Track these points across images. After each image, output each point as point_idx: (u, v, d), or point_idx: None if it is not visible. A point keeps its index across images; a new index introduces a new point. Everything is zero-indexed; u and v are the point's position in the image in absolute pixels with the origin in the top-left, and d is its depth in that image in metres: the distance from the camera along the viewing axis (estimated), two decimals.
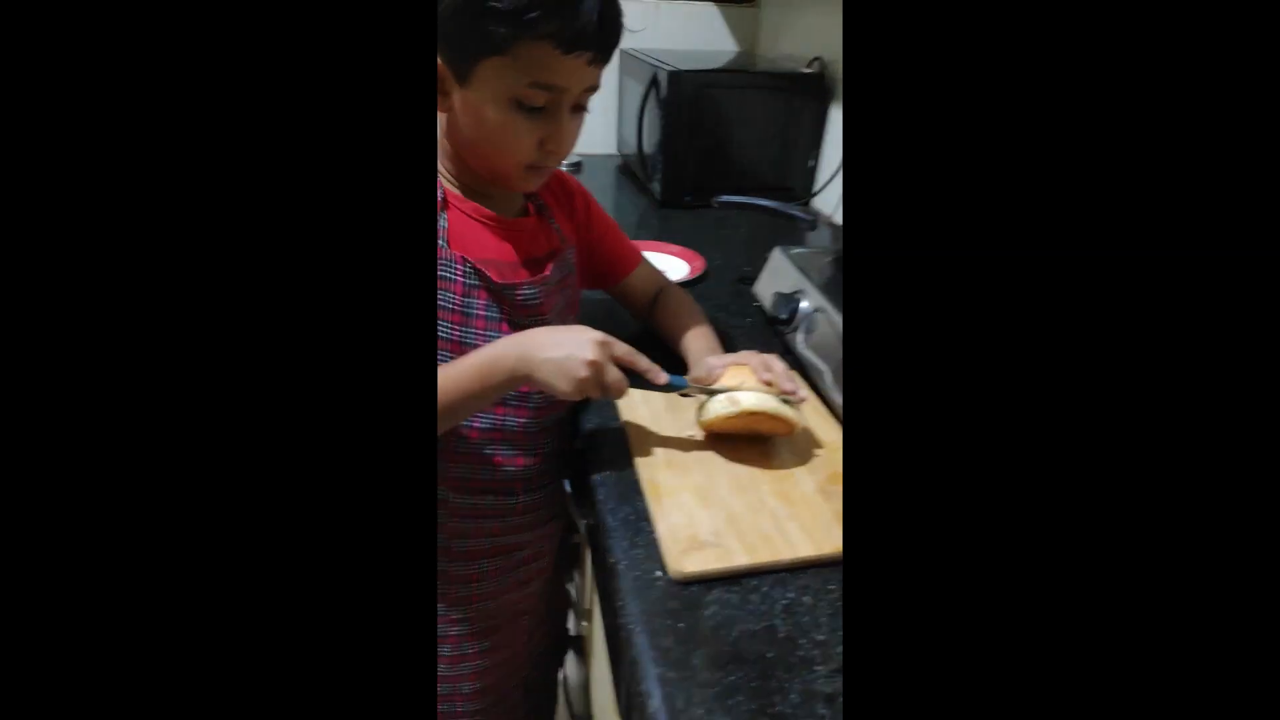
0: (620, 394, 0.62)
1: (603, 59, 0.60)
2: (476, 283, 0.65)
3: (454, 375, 0.61)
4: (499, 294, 0.66)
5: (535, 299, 0.68)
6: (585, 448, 0.71)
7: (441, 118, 0.66)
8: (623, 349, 0.62)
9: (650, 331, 0.87)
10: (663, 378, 0.65)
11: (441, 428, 0.66)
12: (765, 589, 0.54)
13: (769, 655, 0.48)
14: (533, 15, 0.55)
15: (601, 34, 0.58)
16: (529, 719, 0.92)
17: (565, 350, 0.59)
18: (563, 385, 0.59)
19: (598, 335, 0.61)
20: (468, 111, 0.61)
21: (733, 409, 0.64)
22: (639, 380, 0.65)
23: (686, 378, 0.73)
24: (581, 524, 0.73)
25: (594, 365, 0.59)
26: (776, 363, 0.69)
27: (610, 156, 1.76)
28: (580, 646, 1.01)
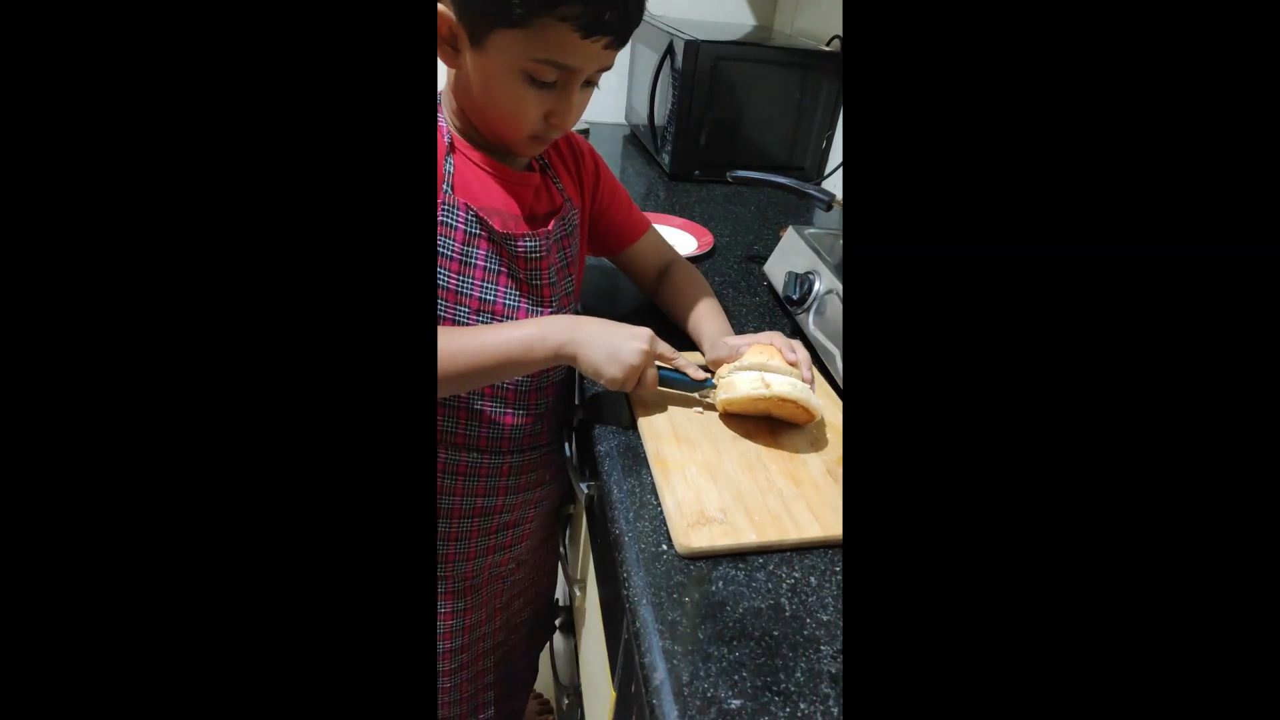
0: (651, 389, 0.66)
1: (620, 43, 0.58)
2: (478, 231, 0.64)
3: (493, 341, 0.61)
4: (500, 244, 0.65)
5: (537, 252, 0.67)
6: (588, 417, 0.70)
7: (450, 73, 0.64)
8: (664, 346, 0.66)
9: (654, 307, 0.86)
10: (700, 374, 0.68)
11: (463, 388, 0.66)
12: (771, 567, 0.53)
13: (775, 633, 0.48)
14: None
15: (622, 19, 0.56)
16: (499, 686, 0.91)
17: (620, 339, 0.62)
18: (611, 370, 0.62)
19: (648, 330, 0.63)
20: (477, 73, 0.60)
21: (764, 391, 0.62)
22: (667, 373, 0.67)
23: (706, 357, 0.73)
24: (582, 493, 0.72)
25: (647, 356, 0.62)
26: (801, 348, 0.68)
27: (618, 126, 1.73)
28: (569, 616, 1.01)
